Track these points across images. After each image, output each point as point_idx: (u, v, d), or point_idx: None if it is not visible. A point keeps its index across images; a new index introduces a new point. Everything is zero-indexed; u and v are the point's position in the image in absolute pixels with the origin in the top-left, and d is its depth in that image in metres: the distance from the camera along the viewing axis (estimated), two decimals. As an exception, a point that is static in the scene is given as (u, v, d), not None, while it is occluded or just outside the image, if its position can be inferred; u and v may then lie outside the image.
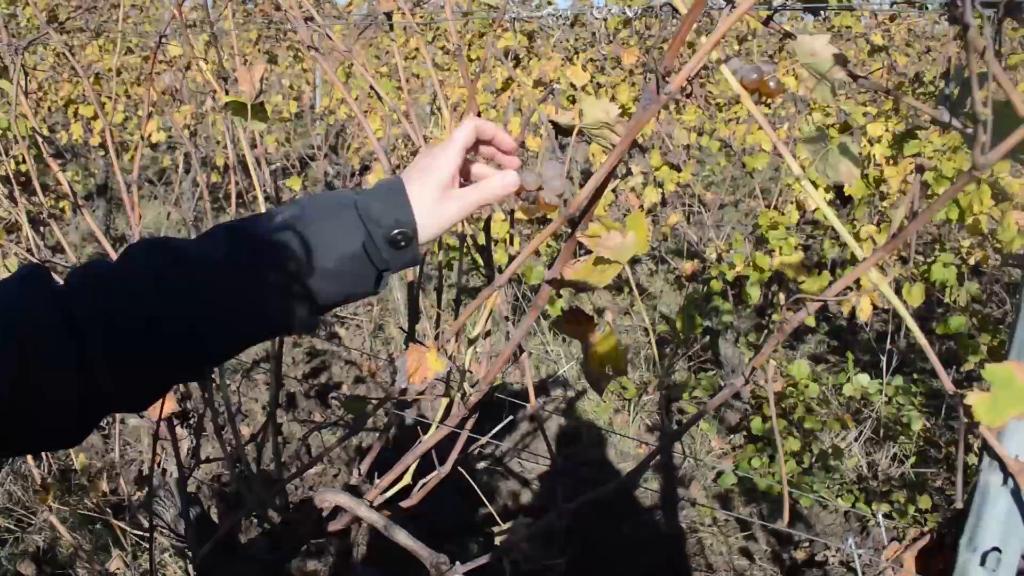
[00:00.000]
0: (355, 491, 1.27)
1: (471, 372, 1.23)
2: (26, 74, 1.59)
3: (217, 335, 0.70)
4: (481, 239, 1.40)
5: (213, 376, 1.37)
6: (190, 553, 1.41)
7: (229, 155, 1.55)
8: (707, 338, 3.74)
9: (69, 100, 5.05)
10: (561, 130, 0.94)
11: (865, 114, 2.63)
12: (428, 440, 1.21)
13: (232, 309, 0.69)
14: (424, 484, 1.31)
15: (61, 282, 0.67)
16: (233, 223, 0.72)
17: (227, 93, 1.39)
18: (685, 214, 3.46)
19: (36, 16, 5.16)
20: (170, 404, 1.43)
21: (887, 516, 2.70)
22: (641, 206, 3.34)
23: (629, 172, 3.10)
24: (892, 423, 3.15)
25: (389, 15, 1.18)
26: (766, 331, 3.55)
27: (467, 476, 1.38)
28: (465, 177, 0.83)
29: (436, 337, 1.09)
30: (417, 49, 4.10)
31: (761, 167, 3.11)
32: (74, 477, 2.49)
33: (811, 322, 3.17)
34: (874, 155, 2.60)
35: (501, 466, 3.29)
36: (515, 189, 0.81)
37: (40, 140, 1.64)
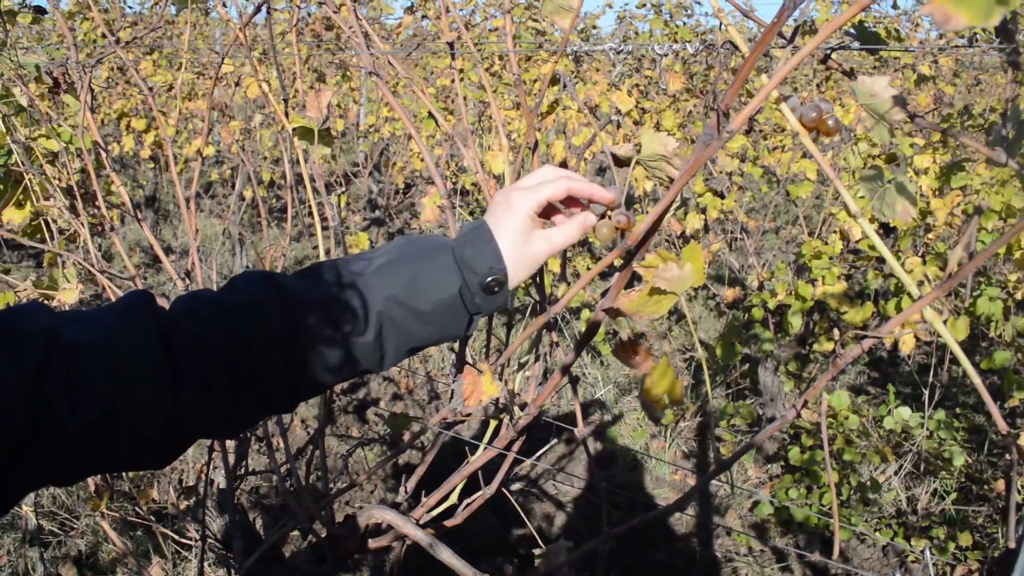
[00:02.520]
0: (398, 509, 1.29)
1: (519, 395, 1.25)
2: (92, 90, 1.65)
3: (310, 372, 0.72)
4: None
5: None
6: (235, 563, 1.43)
7: (286, 172, 1.59)
8: (746, 366, 3.72)
9: (122, 113, 5.17)
10: (619, 161, 0.97)
11: (912, 145, 2.61)
12: (476, 460, 1.23)
13: (327, 348, 0.71)
14: (469, 504, 1.33)
15: (166, 307, 0.69)
16: (336, 262, 0.75)
17: (287, 115, 1.43)
18: (727, 241, 3.45)
19: (95, 32, 5.31)
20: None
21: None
22: (683, 232, 3.34)
23: (684, 203, 3.12)
24: (933, 458, 3.11)
25: (452, 44, 1.21)
26: (807, 361, 3.52)
27: (509, 497, 1.39)
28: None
29: (488, 360, 1.11)
30: (462, 71, 4.16)
31: (805, 195, 3.10)
32: (117, 484, 2.55)
33: (852, 353, 3.13)
34: (920, 187, 2.58)
35: (536, 487, 3.30)
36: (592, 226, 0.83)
37: (103, 154, 1.69)
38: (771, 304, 3.01)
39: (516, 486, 3.29)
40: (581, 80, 3.44)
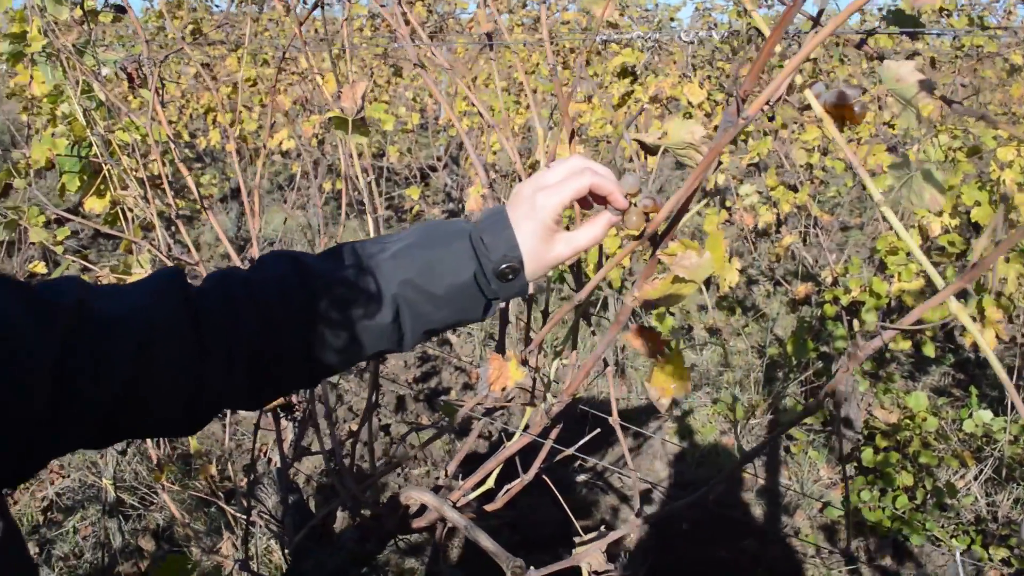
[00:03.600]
0: (439, 491, 1.31)
1: (557, 383, 1.25)
2: (163, 84, 1.72)
3: (329, 348, 0.74)
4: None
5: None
6: (287, 538, 1.48)
7: (349, 164, 1.63)
8: (821, 364, 3.63)
9: (209, 108, 5.36)
10: (648, 149, 0.96)
11: (996, 137, 2.50)
12: (511, 446, 1.24)
13: (344, 326, 0.74)
14: (508, 490, 1.34)
15: (199, 283, 0.73)
16: (355, 244, 0.77)
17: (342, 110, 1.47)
18: (802, 235, 3.37)
19: (177, 31, 5.51)
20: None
21: (1004, 562, 2.56)
22: (755, 226, 3.28)
23: (711, 193, 3.06)
24: (1016, 464, 2.98)
25: (490, 36, 1.22)
26: (884, 360, 3.41)
27: (552, 486, 1.40)
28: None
29: (525, 347, 1.12)
30: (537, 64, 4.17)
31: (882, 189, 3.00)
32: (192, 461, 2.66)
33: (930, 352, 3.02)
34: (1004, 181, 2.47)
35: (602, 480, 3.29)
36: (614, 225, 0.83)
37: (173, 146, 1.76)
38: (844, 301, 2.93)
39: (582, 478, 3.29)
40: (653, 72, 3.41)
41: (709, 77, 3.37)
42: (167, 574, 1.10)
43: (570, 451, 1.36)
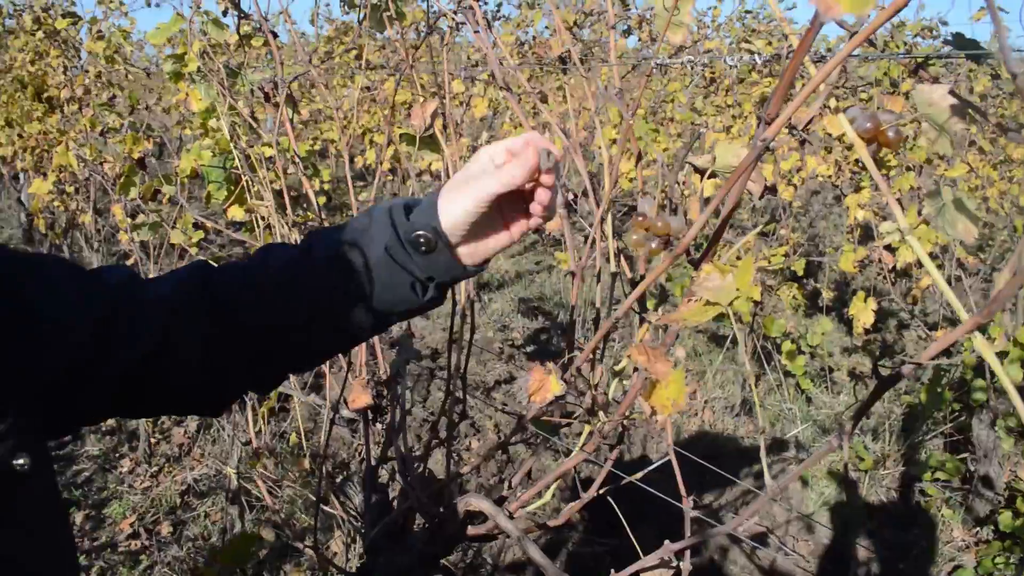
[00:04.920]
0: (503, 503, 1.35)
1: (615, 403, 1.26)
2: (294, 104, 1.86)
3: (303, 331, 0.78)
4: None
5: (399, 378, 1.51)
6: (366, 535, 1.56)
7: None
8: (963, 416, 3.40)
9: (366, 129, 5.66)
10: (699, 171, 0.97)
11: None
12: (568, 462, 1.26)
13: (313, 307, 0.78)
14: (570, 507, 1.36)
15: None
16: (320, 229, 0.81)
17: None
18: (946, 278, 3.18)
19: (348, 55, 5.87)
20: (364, 398, 1.59)
21: None
22: (894, 266, 3.13)
23: (852, 229, 2.92)
24: None
25: (563, 59, 1.25)
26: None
27: (614, 506, 1.40)
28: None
29: (566, 364, 1.14)
30: (676, 92, 4.16)
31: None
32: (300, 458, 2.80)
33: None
34: None
35: (715, 519, 3.21)
36: (518, 179, 0.74)
37: (298, 161, 1.89)
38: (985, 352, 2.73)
39: (693, 514, 3.21)
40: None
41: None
42: (236, 549, 1.18)
43: (631, 479, 1.36)
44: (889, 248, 3.21)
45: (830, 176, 3.34)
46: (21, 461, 0.64)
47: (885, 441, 3.53)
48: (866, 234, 3.87)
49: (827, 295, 3.81)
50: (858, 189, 3.31)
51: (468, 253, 0.79)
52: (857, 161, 3.42)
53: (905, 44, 3.68)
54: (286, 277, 0.77)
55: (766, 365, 3.97)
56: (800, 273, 3.50)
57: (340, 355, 0.96)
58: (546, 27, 4.80)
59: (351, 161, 6.42)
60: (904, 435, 3.55)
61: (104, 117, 3.23)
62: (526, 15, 5.10)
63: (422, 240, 0.75)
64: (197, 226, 2.09)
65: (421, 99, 1.54)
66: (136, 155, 2.26)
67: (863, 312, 3.01)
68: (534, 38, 4.76)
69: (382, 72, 5.22)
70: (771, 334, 3.58)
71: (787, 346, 3.51)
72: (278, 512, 2.59)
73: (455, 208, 0.74)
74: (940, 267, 3.20)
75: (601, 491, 1.32)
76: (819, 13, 0.50)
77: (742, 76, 3.93)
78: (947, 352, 3.05)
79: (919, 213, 2.90)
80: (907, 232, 0.74)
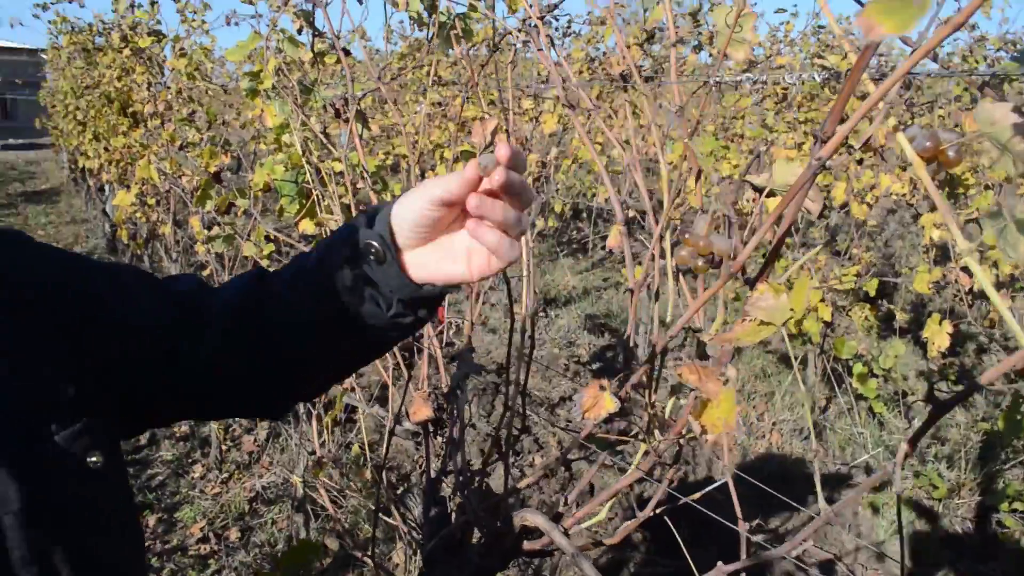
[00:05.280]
0: (560, 519, 1.35)
1: (673, 421, 1.25)
2: (364, 120, 1.90)
3: (299, 339, 0.78)
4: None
5: (458, 392, 1.53)
6: (425, 547, 1.58)
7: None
8: (1046, 445, 3.26)
9: (437, 144, 5.74)
10: (757, 189, 0.97)
11: None
12: (623, 480, 1.25)
13: (306, 314, 0.78)
14: (626, 526, 1.35)
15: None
16: (315, 248, 0.80)
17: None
18: (1028, 301, 3.07)
19: (421, 71, 5.97)
20: (425, 411, 1.62)
21: None
22: (971, 288, 3.03)
23: (927, 249, 2.84)
24: None
25: (624, 77, 1.26)
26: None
27: (673, 529, 1.39)
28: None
29: (622, 382, 1.14)
30: (746, 108, 4.11)
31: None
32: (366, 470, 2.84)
33: None
34: None
35: (778, 542, 3.14)
36: (453, 188, 0.68)
37: (366, 175, 1.94)
38: (1069, 376, 2.63)
39: (757, 537, 3.15)
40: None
41: (931, 125, 3.16)
42: (296, 556, 1.21)
43: (686, 500, 1.35)
44: (966, 269, 3.11)
45: (904, 195, 3.26)
46: (94, 459, 0.68)
47: (961, 469, 3.41)
48: (943, 255, 3.76)
49: (901, 317, 3.71)
50: (934, 209, 3.22)
51: (418, 265, 0.73)
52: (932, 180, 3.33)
53: (986, 58, 3.58)
54: (250, 303, 0.79)
55: (836, 388, 3.87)
56: (872, 294, 3.42)
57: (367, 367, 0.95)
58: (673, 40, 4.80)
59: (422, 176, 6.52)
60: (981, 463, 3.42)
61: (184, 132, 3.35)
62: (596, 31, 5.12)
63: (372, 249, 0.72)
64: (269, 239, 2.15)
65: (487, 115, 1.56)
66: (212, 169, 2.34)
67: (938, 335, 2.92)
68: (604, 54, 4.77)
69: (453, 88, 5.29)
70: (842, 356, 3.49)
71: (858, 368, 3.43)
72: (341, 522, 2.64)
73: (404, 209, 0.71)
74: (1023, 289, 3.09)
75: (659, 511, 1.31)
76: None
77: (815, 92, 3.86)
78: (1027, 377, 2.94)
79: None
80: (966, 253, 0.72)
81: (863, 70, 0.74)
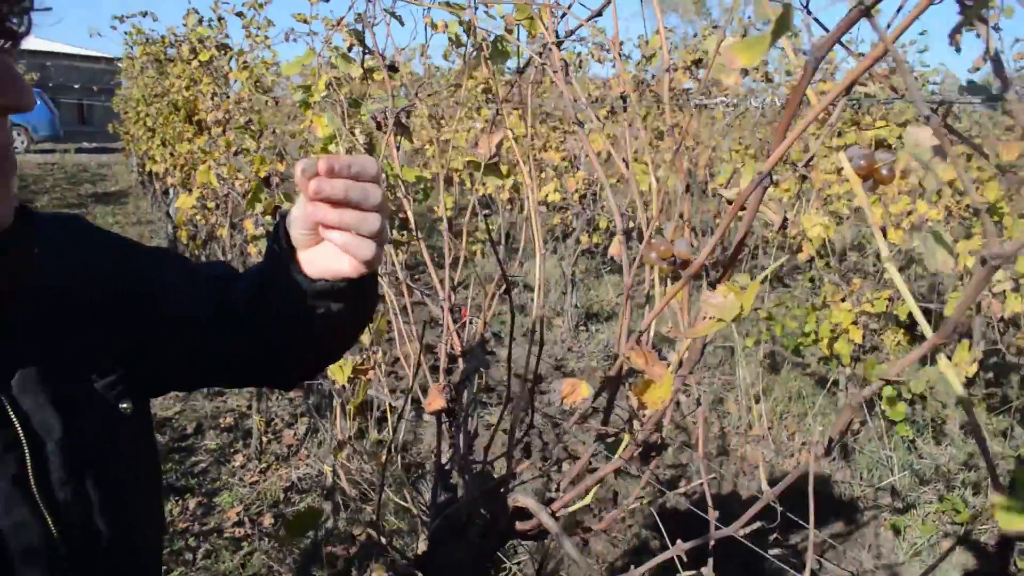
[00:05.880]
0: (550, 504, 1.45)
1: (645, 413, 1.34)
2: (408, 133, 2.04)
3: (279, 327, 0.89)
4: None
5: (466, 383, 1.64)
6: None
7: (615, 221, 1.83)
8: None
9: (488, 160, 5.89)
10: (729, 202, 1.07)
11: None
12: (606, 468, 1.35)
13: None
14: (611, 515, 1.45)
15: None
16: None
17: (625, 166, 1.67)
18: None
19: (476, 88, 6.13)
20: (439, 401, 1.73)
21: None
22: (1002, 316, 3.05)
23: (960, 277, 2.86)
24: None
25: (624, 98, 1.36)
26: None
27: (658, 519, 1.48)
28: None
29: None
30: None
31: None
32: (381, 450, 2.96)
33: None
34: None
35: (797, 559, 3.17)
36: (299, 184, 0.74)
37: (403, 186, 2.07)
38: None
39: (774, 551, 3.19)
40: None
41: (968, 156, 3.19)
42: (300, 521, 1.33)
43: (676, 493, 1.43)
44: (998, 296, 3.12)
45: (939, 221, 3.28)
46: (125, 405, 0.81)
47: (986, 495, 3.40)
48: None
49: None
50: (969, 236, 3.24)
51: (308, 262, 0.80)
52: (968, 207, 3.35)
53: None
54: (255, 294, 0.91)
55: (867, 412, 3.89)
56: (902, 318, 3.44)
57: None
58: (666, 67, 4.90)
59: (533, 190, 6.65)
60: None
61: (241, 139, 3.54)
62: (645, 53, 5.21)
63: (275, 249, 0.82)
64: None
65: (532, 131, 1.68)
66: (263, 174, 2.49)
67: (964, 359, 2.94)
68: (653, 76, 4.86)
69: (507, 105, 5.43)
70: (871, 379, 3.51)
71: (887, 391, 3.45)
72: (366, 512, 2.76)
73: (292, 212, 0.78)
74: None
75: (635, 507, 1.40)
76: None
77: (856, 120, 3.90)
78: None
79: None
80: (886, 260, 0.81)
81: (803, 92, 0.85)
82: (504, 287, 1.58)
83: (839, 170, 3.79)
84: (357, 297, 0.82)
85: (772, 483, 1.16)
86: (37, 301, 0.78)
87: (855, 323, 3.51)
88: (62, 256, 0.84)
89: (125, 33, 6.59)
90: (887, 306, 3.33)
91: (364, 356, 2.24)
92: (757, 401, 4.36)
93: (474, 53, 2.06)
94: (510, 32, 1.94)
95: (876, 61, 0.79)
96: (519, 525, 1.44)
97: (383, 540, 1.91)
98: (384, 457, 1.73)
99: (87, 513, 0.76)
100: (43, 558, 0.72)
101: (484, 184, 6.35)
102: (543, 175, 6.01)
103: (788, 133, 0.86)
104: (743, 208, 0.93)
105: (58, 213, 0.90)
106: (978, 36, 0.77)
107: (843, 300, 3.56)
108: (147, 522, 0.86)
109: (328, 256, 0.78)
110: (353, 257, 0.76)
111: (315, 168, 0.71)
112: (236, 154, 3.46)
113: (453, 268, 1.83)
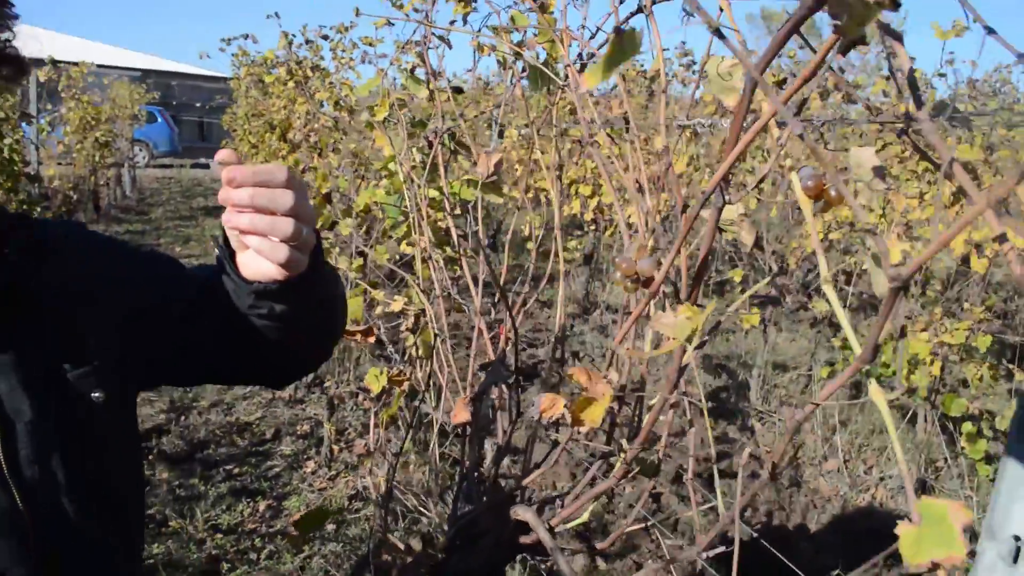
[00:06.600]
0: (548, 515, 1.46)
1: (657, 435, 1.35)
2: (467, 150, 2.11)
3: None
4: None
5: (484, 397, 1.68)
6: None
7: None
8: None
9: (572, 180, 5.92)
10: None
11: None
12: (600, 486, 1.36)
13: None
14: (616, 533, 1.45)
15: None
16: None
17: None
18: None
19: (564, 108, 6.19)
20: (464, 414, 1.77)
21: None
22: None
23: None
24: None
25: (626, 120, 1.38)
26: None
27: (649, 529, 1.47)
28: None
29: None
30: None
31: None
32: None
33: None
34: None
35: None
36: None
37: (447, 205, 2.13)
38: None
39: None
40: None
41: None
42: (312, 519, 1.39)
43: (658, 490, 1.43)
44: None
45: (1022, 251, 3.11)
46: (97, 395, 0.88)
47: None
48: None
49: (1020, 376, 3.52)
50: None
51: (243, 265, 0.86)
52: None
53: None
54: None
55: (946, 448, 3.71)
56: (983, 349, 3.28)
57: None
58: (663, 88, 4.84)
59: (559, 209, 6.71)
60: None
61: (310, 157, 3.71)
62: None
63: (218, 254, 0.89)
64: (360, 254, 2.38)
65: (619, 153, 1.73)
66: (324, 190, 2.60)
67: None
68: (699, 99, 4.82)
69: (593, 126, 5.45)
70: (950, 413, 3.37)
71: (967, 427, 3.30)
72: (422, 524, 2.82)
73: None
74: None
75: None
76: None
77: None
78: None
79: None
80: (824, 281, 0.82)
81: (744, 115, 0.86)
82: (525, 303, 1.61)
83: (922, 195, 3.66)
84: (295, 297, 0.87)
85: (842, 519, 1.14)
86: (24, 299, 0.86)
87: (934, 354, 3.37)
88: (62, 257, 0.93)
89: (232, 55, 6.94)
90: (966, 337, 3.19)
91: (402, 368, 2.30)
92: (834, 432, 4.22)
93: (523, 77, 2.10)
94: (554, 60, 1.98)
95: (799, 89, 0.80)
96: (523, 538, 1.46)
97: (439, 555, 1.96)
98: (438, 469, 1.78)
99: (54, 492, 0.83)
100: (7, 529, 0.79)
101: (569, 203, 6.39)
102: (625, 196, 5.98)
103: (728, 155, 0.87)
104: (691, 228, 0.94)
105: (61, 220, 1.00)
106: (888, 58, 0.77)
107: (923, 331, 3.43)
108: (121, 507, 0.93)
109: (255, 259, 0.84)
110: (268, 260, 0.81)
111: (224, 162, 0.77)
112: (304, 172, 3.61)
113: (486, 286, 1.87)
